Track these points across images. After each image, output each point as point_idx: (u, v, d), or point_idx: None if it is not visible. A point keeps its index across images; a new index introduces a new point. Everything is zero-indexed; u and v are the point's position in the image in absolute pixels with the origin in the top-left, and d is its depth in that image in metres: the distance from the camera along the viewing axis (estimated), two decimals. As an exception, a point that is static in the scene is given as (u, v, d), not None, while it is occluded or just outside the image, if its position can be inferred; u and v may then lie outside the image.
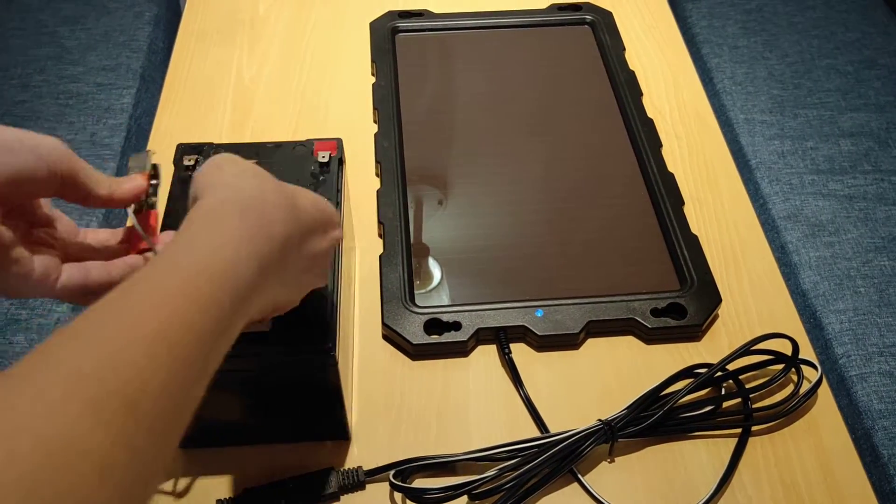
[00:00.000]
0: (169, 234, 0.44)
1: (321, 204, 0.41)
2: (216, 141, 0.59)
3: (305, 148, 0.55)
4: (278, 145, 0.55)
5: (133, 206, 0.42)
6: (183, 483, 0.50)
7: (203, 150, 0.54)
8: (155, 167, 0.44)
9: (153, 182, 0.44)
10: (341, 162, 0.54)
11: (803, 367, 0.56)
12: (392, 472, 0.50)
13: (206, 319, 0.30)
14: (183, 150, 0.54)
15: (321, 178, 0.53)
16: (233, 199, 0.35)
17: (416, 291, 0.60)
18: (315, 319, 0.45)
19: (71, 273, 0.39)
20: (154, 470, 0.27)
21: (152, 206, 0.44)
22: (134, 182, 0.42)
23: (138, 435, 0.25)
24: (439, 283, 0.61)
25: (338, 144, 0.55)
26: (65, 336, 0.26)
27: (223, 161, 0.38)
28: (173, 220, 0.50)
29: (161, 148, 0.72)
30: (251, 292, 0.33)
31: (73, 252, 0.41)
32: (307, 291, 0.42)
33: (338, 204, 0.51)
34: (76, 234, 0.42)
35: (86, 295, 0.40)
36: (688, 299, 0.59)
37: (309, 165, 0.53)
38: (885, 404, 0.80)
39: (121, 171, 1.03)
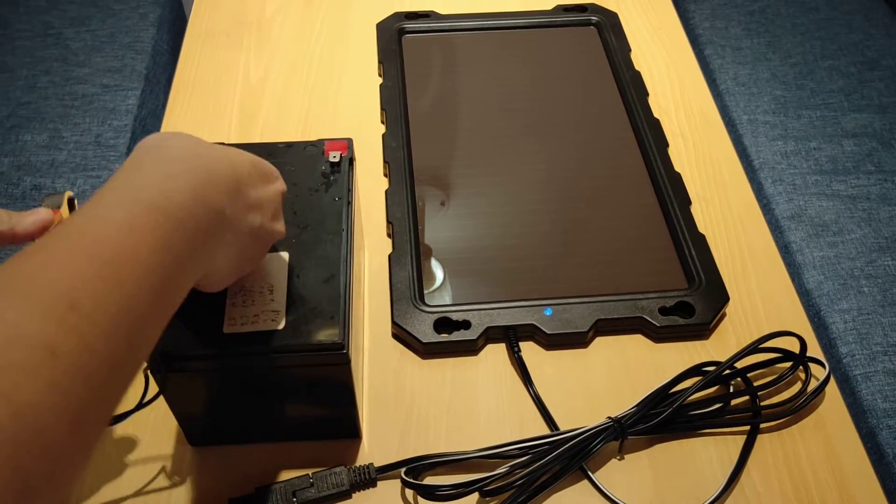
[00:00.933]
0: None
1: (258, 161, 0.43)
2: (225, 141, 0.60)
3: (316, 148, 0.55)
4: (289, 145, 0.55)
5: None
6: (194, 481, 0.51)
7: None
8: (71, 202, 0.44)
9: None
10: (352, 162, 0.55)
11: (811, 364, 0.57)
12: (404, 470, 0.50)
13: (147, 249, 0.31)
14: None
15: (332, 177, 0.53)
16: (154, 151, 0.37)
17: (425, 290, 0.60)
18: (327, 318, 0.46)
19: None
20: (105, 368, 0.28)
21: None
22: (38, 215, 0.42)
23: (83, 326, 0.27)
24: (448, 283, 0.62)
25: (348, 144, 0.55)
26: (17, 257, 0.28)
27: (158, 135, 0.40)
28: None
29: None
30: (196, 233, 0.35)
31: None
32: (266, 244, 0.44)
33: (348, 203, 0.52)
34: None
35: None
36: (695, 298, 0.59)
37: (320, 165, 0.54)
38: (889, 403, 0.80)
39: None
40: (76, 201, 0.44)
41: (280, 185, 0.45)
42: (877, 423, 0.79)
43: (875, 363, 0.83)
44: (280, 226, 0.45)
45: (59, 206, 0.43)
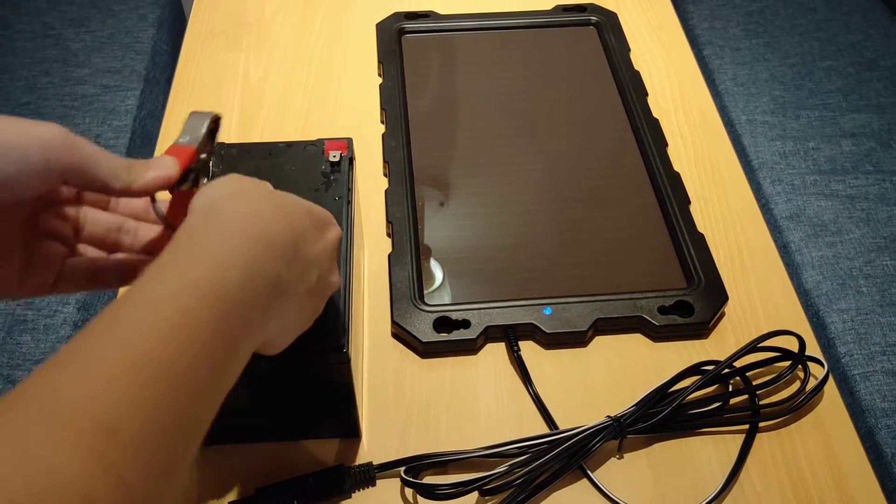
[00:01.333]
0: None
1: (313, 208, 0.40)
2: (225, 141, 0.60)
3: (316, 147, 0.55)
4: (290, 144, 0.55)
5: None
6: (194, 481, 0.51)
7: (215, 151, 0.55)
8: (212, 133, 0.39)
9: (201, 156, 0.39)
10: (352, 161, 0.55)
11: (810, 363, 0.57)
12: (403, 469, 0.50)
13: (199, 344, 0.28)
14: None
15: (332, 177, 0.53)
16: (215, 218, 0.33)
17: (424, 290, 0.61)
18: (327, 318, 0.46)
19: (74, 264, 0.38)
20: (148, 499, 0.26)
21: (196, 183, 0.39)
22: (160, 170, 0.37)
23: (123, 463, 0.25)
24: (448, 282, 0.62)
25: (348, 144, 0.55)
26: (52, 366, 0.26)
27: (219, 183, 0.36)
28: None
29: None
30: (253, 310, 0.32)
31: (97, 233, 0.40)
32: (324, 297, 0.40)
33: (348, 203, 0.52)
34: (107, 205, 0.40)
35: (93, 283, 0.39)
36: (695, 297, 0.59)
37: (320, 165, 0.54)
38: (888, 403, 0.80)
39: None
40: (219, 127, 0.40)
41: (336, 233, 0.41)
42: (875, 422, 0.79)
43: (874, 363, 0.83)
44: (336, 277, 0.41)
45: (196, 140, 0.38)
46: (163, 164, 0.37)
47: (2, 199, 0.33)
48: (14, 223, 0.36)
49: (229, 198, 0.35)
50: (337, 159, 0.54)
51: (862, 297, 0.88)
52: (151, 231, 0.42)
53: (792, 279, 0.95)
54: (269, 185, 0.39)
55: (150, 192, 0.37)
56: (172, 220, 0.39)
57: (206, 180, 0.40)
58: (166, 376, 0.27)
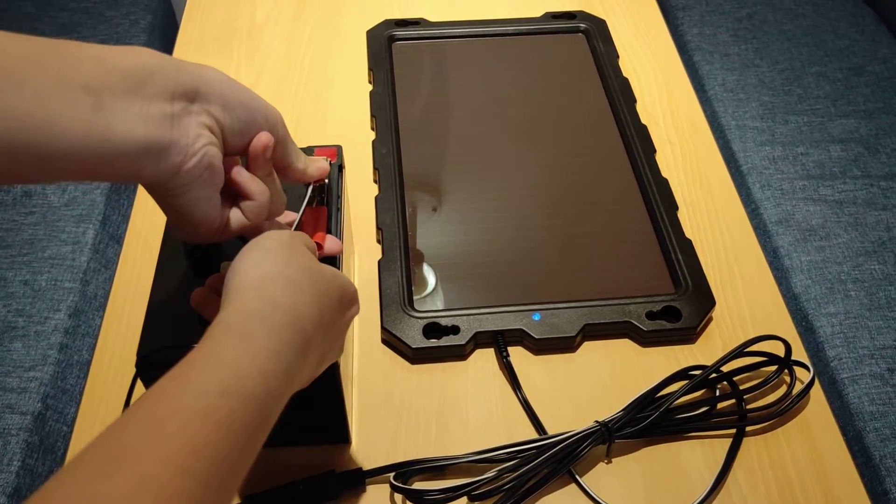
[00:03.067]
0: (332, 240, 0.48)
1: (345, 287, 0.41)
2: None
3: (307, 155, 0.55)
4: (279, 152, 0.55)
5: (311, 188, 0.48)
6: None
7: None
8: (334, 168, 0.51)
9: (326, 181, 0.50)
10: (341, 169, 0.55)
11: (796, 368, 0.57)
12: (393, 474, 0.50)
13: (229, 441, 0.29)
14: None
15: (321, 184, 0.53)
16: (262, 313, 0.35)
17: (414, 296, 0.61)
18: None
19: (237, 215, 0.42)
20: None
21: (322, 202, 0.50)
22: (320, 164, 0.48)
23: None
24: (437, 288, 0.62)
25: (338, 151, 0.55)
26: (80, 472, 0.26)
27: (261, 258, 0.38)
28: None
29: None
30: (278, 401, 0.33)
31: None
32: (329, 362, 0.42)
33: (338, 210, 0.52)
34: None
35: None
36: (682, 302, 0.60)
37: (309, 172, 0.54)
38: (876, 406, 0.81)
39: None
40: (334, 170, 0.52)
41: (356, 310, 0.43)
42: (864, 425, 0.80)
43: (862, 366, 0.84)
44: (342, 342, 0.43)
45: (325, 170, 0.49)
46: (324, 162, 0.49)
47: (242, 145, 0.40)
48: (230, 167, 0.41)
49: (274, 284, 0.36)
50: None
51: (850, 301, 0.89)
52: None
53: (781, 283, 0.96)
54: (305, 249, 0.41)
55: (311, 180, 0.47)
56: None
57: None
58: (200, 475, 0.28)
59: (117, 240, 1.00)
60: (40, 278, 0.90)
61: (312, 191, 0.49)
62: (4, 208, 0.97)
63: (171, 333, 0.45)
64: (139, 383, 0.46)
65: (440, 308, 0.60)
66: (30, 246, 0.93)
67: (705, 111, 1.18)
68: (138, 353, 0.44)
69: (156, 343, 0.44)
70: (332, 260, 0.48)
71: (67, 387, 0.84)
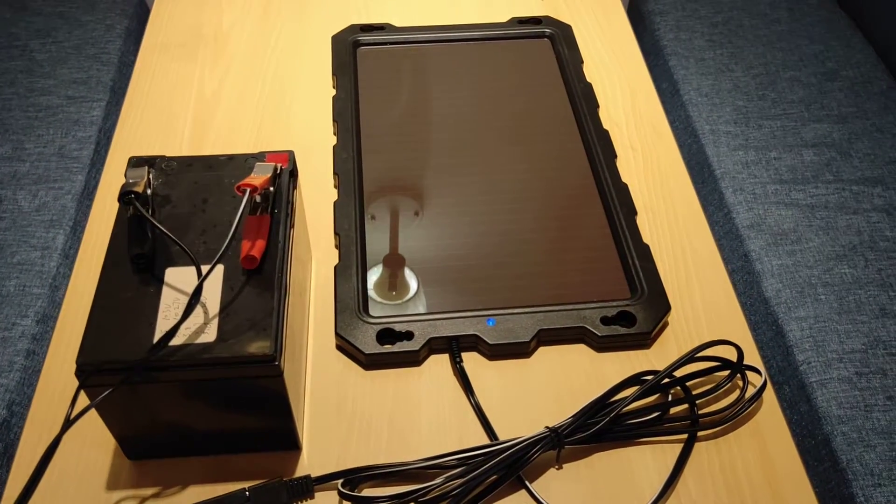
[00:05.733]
0: None
1: None
2: (177, 153, 0.60)
3: (257, 161, 0.55)
4: (231, 158, 0.55)
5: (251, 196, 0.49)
6: (130, 497, 0.51)
7: (155, 163, 0.55)
8: (284, 174, 0.52)
9: (270, 188, 0.51)
10: (292, 174, 0.55)
11: (748, 372, 0.57)
12: (340, 481, 0.50)
13: None
14: (134, 162, 0.54)
15: (271, 189, 0.53)
16: None
17: (369, 301, 0.61)
18: (259, 330, 0.46)
19: None
20: None
21: (265, 210, 0.51)
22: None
23: None
24: (393, 293, 0.62)
25: (289, 157, 0.55)
26: None
27: None
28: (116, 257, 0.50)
29: (119, 160, 0.72)
30: None
31: None
32: None
33: (287, 216, 0.52)
34: None
35: None
36: (637, 307, 0.60)
37: (259, 178, 0.54)
38: (843, 410, 0.81)
39: (88, 184, 1.03)
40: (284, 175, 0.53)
41: None
42: (831, 429, 0.80)
43: (830, 370, 0.84)
44: None
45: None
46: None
47: None
48: None
49: None
50: (278, 172, 0.54)
51: (820, 305, 0.89)
52: None
53: (752, 287, 0.96)
54: None
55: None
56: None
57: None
58: None
59: (87, 246, 0.99)
60: (8, 284, 0.90)
61: (247, 200, 0.48)
62: (-27, 214, 0.96)
63: (113, 340, 0.45)
64: (83, 394, 0.45)
65: (395, 314, 0.60)
66: (-3, 252, 0.92)
67: (679, 116, 1.18)
68: (77, 361, 0.44)
69: (97, 352, 0.44)
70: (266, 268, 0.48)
71: (34, 394, 0.83)
